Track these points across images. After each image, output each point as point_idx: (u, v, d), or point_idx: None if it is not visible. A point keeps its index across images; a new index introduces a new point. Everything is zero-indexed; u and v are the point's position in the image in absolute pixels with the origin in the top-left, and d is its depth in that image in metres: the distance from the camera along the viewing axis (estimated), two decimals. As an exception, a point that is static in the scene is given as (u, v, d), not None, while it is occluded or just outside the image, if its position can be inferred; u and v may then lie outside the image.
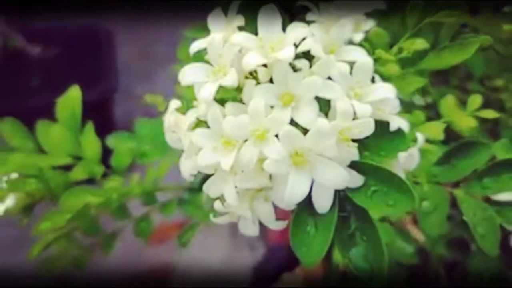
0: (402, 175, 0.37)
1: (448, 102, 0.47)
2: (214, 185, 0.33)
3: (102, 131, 0.63)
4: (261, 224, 0.35)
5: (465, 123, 0.47)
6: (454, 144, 0.46)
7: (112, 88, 1.62)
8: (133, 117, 0.80)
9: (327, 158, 0.30)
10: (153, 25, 2.13)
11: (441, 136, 0.44)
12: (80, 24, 1.91)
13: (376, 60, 0.38)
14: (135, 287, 1.48)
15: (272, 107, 0.31)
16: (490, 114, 0.47)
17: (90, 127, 0.61)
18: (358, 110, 0.31)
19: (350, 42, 0.52)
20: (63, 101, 0.61)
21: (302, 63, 0.32)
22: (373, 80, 0.34)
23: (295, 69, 0.32)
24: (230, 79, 0.31)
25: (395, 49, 0.38)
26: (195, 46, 0.34)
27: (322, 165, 0.30)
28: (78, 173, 0.63)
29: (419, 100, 0.72)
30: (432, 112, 0.75)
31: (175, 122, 0.34)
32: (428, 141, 0.45)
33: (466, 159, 0.44)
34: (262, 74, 0.32)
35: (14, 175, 0.60)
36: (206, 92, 0.31)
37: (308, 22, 0.35)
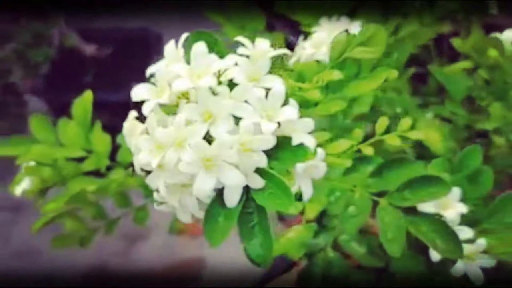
0: (308, 182, 0.45)
1: (381, 123, 0.54)
2: (152, 179, 0.42)
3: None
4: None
5: (392, 142, 0.54)
6: (387, 160, 0.53)
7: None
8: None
9: (229, 164, 0.39)
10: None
11: (348, 152, 0.51)
12: (132, 26, 2.05)
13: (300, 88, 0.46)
14: (166, 279, 1.58)
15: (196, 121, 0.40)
16: (416, 135, 0.53)
17: (98, 125, 0.72)
18: (263, 128, 0.40)
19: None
20: (78, 103, 0.73)
21: (222, 88, 0.40)
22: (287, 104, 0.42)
23: (215, 93, 0.40)
24: (165, 99, 0.40)
25: (315, 78, 0.45)
26: (151, 70, 0.44)
27: (225, 169, 0.39)
28: (88, 165, 0.74)
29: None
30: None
31: (131, 128, 0.44)
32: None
33: (395, 173, 0.52)
34: (192, 95, 0.41)
35: (32, 163, 0.72)
36: (146, 107, 0.41)
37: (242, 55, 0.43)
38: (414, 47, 0.91)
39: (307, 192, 0.44)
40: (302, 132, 0.43)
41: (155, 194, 0.44)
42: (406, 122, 0.54)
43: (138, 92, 0.42)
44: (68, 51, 1.97)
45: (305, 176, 0.44)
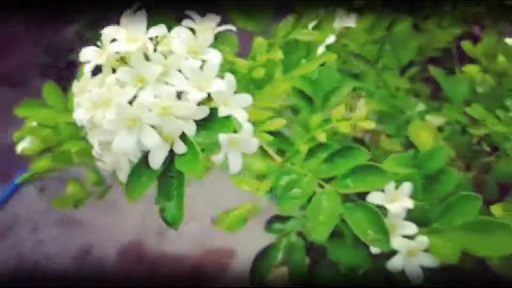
0: (237, 155, 0.46)
1: (338, 112, 0.54)
2: (90, 137, 0.45)
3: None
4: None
5: (343, 129, 0.54)
6: (339, 147, 0.53)
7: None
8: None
9: (151, 126, 0.41)
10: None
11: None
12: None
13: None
14: (195, 264, 1.63)
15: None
16: (368, 125, 0.53)
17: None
18: (189, 96, 0.42)
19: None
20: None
21: (156, 55, 0.43)
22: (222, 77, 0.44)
23: (148, 59, 0.43)
24: (102, 60, 0.43)
25: (258, 57, 0.47)
26: (105, 31, 0.46)
27: (145, 131, 0.41)
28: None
29: None
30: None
31: (79, 87, 0.47)
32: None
33: (344, 161, 0.52)
34: (129, 59, 0.43)
35: (34, 124, 0.77)
36: (86, 68, 0.44)
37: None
38: (425, 49, 0.89)
39: (234, 164, 0.45)
40: (237, 106, 0.45)
41: (93, 151, 0.47)
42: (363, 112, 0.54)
43: (85, 53, 0.45)
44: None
45: (233, 149, 0.45)
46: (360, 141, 0.85)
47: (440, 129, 0.84)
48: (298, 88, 0.64)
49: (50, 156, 0.71)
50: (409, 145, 0.79)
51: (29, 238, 1.75)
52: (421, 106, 0.89)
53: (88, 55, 0.45)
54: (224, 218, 0.53)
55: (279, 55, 0.45)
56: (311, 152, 0.55)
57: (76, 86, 0.47)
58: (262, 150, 0.58)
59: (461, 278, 0.55)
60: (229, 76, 0.45)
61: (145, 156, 0.43)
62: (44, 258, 1.69)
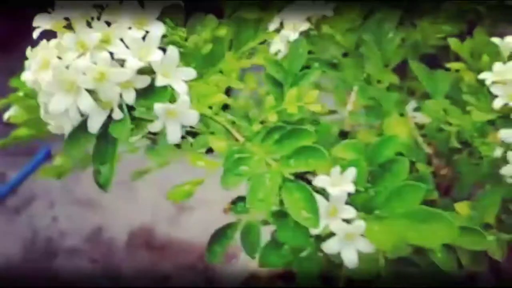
0: (175, 126, 0.47)
1: (290, 95, 0.55)
2: (38, 99, 0.47)
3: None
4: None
5: (291, 110, 0.54)
6: (290, 128, 0.54)
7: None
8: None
9: (86, 91, 0.42)
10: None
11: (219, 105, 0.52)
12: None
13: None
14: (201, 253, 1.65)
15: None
16: (316, 108, 0.53)
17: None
18: (127, 63, 0.43)
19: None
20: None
21: (100, 23, 0.44)
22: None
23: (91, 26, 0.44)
24: (48, 26, 0.45)
25: (203, 34, 0.48)
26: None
27: (81, 95, 0.42)
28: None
29: None
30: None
31: (36, 51, 0.49)
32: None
33: (291, 142, 0.52)
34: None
35: (21, 93, 0.80)
36: (35, 33, 0.46)
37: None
38: (419, 45, 0.88)
39: (172, 135, 0.46)
40: (179, 79, 0.46)
41: (41, 114, 0.48)
42: (312, 94, 0.54)
43: (37, 18, 0.47)
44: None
45: (171, 120, 0.46)
46: (346, 134, 0.85)
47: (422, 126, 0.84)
48: (270, 74, 0.65)
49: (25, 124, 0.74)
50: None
51: (44, 215, 1.79)
52: (412, 104, 0.88)
53: (39, 20, 0.47)
54: (174, 191, 0.54)
55: (224, 31, 0.46)
56: (268, 133, 0.56)
57: (29, 50, 0.49)
58: (227, 130, 0.59)
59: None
60: (171, 49, 0.46)
61: (85, 120, 0.45)
62: (57, 234, 1.73)
